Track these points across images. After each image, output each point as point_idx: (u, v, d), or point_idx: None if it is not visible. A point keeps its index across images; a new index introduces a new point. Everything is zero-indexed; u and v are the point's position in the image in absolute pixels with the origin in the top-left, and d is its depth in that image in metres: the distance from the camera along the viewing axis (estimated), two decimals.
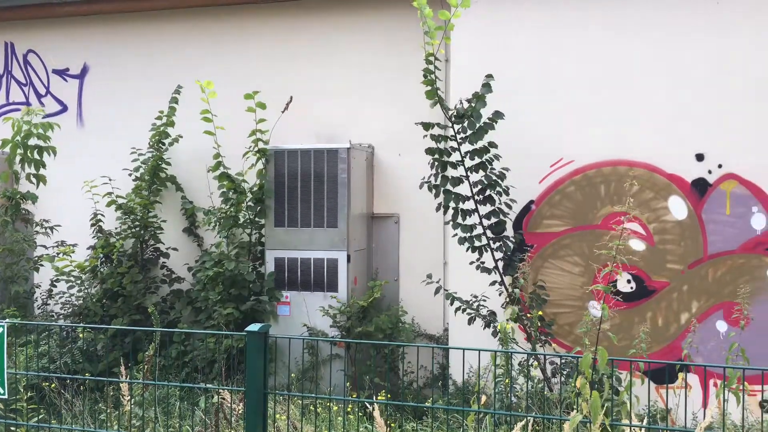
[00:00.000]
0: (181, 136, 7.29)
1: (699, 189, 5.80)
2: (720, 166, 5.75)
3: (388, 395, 5.69)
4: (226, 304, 6.49)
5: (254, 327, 3.49)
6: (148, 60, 7.73)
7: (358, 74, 7.08)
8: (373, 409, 3.39)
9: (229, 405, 4.38)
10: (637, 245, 5.96)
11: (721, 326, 5.74)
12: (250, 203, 6.86)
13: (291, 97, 6.91)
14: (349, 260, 6.47)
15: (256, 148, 6.78)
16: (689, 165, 5.83)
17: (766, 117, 5.65)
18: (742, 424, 3.79)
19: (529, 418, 3.55)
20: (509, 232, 6.15)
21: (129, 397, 4.05)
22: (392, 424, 4.66)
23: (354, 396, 5.52)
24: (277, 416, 4.50)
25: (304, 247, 6.57)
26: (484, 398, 3.64)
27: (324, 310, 6.34)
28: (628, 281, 5.98)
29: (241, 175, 6.93)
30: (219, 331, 5.93)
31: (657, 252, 5.91)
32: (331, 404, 4.96)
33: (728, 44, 5.73)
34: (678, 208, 5.87)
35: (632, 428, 3.33)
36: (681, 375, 5.67)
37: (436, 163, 5.92)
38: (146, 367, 4.75)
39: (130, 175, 7.36)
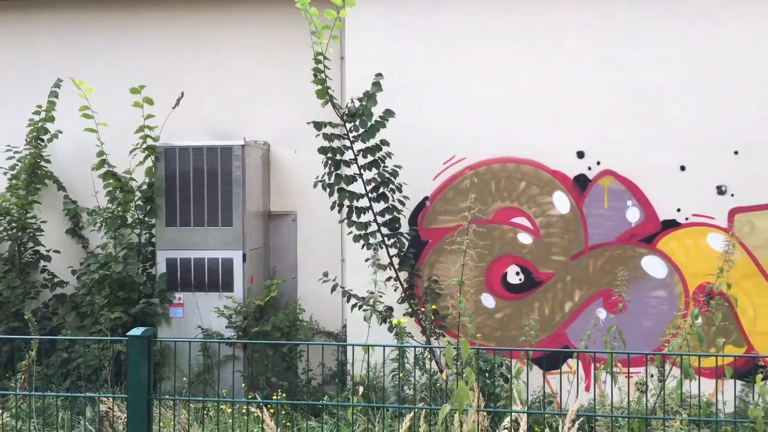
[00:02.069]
0: (61, 132, 6.89)
1: (580, 184, 6.14)
2: (598, 162, 6.11)
3: (284, 394, 5.64)
4: (113, 308, 6.21)
5: (137, 331, 3.36)
6: (29, 52, 7.23)
7: (253, 70, 6.96)
8: (262, 410, 3.34)
9: (115, 413, 4.19)
10: (525, 239, 6.23)
11: (602, 313, 6.10)
12: (139, 202, 6.59)
13: (182, 93, 6.69)
14: (244, 259, 6.35)
15: (144, 145, 6.52)
16: (571, 162, 6.15)
17: (638, 117, 6.05)
18: (611, 405, 4.05)
19: (418, 409, 3.62)
20: (404, 228, 6.26)
21: (1, 411, 3.78)
22: (287, 424, 4.63)
23: (251, 397, 5.42)
24: (164, 423, 4.35)
25: (197, 246, 6.39)
26: (361, 389, 3.68)
27: (219, 310, 6.19)
28: (517, 273, 6.24)
29: (129, 173, 6.64)
30: (100, 337, 5.66)
31: (543, 245, 6.20)
32: (225, 407, 4.85)
33: (604, 47, 6.10)
34: (561, 202, 6.19)
35: (513, 413, 3.48)
36: (568, 362, 5.99)
37: (330, 162, 5.93)
38: (23, 377, 4.45)
39: (5, 173, 6.88)
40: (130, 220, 6.64)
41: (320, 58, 5.66)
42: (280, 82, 6.89)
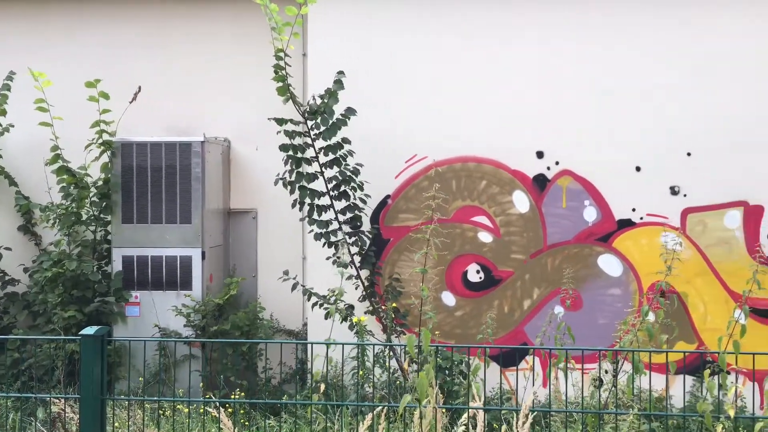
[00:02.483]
0: (13, 126, 6.70)
1: (539, 184, 6.23)
2: (557, 162, 6.21)
3: (242, 393, 5.59)
4: (67, 306, 6.06)
5: (90, 330, 3.29)
6: None
7: (213, 66, 6.86)
8: (219, 410, 3.31)
9: (68, 414, 4.09)
10: (486, 237, 6.29)
11: (559, 310, 6.20)
12: (94, 199, 6.45)
13: (139, 87, 6.56)
14: (204, 257, 6.27)
15: (100, 140, 6.38)
16: (530, 162, 6.24)
17: (596, 118, 6.17)
18: (566, 399, 4.12)
19: (377, 407, 3.63)
20: (366, 226, 6.26)
21: None
22: (246, 423, 4.59)
23: (208, 396, 5.36)
24: (119, 423, 4.27)
25: (155, 244, 6.28)
26: (322, 387, 3.68)
27: (177, 309, 6.10)
28: (477, 272, 6.30)
29: (84, 169, 6.48)
30: (53, 337, 5.53)
31: (503, 243, 6.28)
32: (182, 406, 4.78)
33: (563, 51, 6.19)
34: (521, 202, 6.27)
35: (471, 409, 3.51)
36: (526, 358, 6.07)
37: (291, 160, 5.90)
38: None
39: None
40: (84, 217, 6.48)
41: (281, 54, 5.63)
42: (241, 78, 6.81)
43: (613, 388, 3.73)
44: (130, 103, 6.53)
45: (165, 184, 6.24)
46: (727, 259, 5.95)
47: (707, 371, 3.50)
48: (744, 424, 4.58)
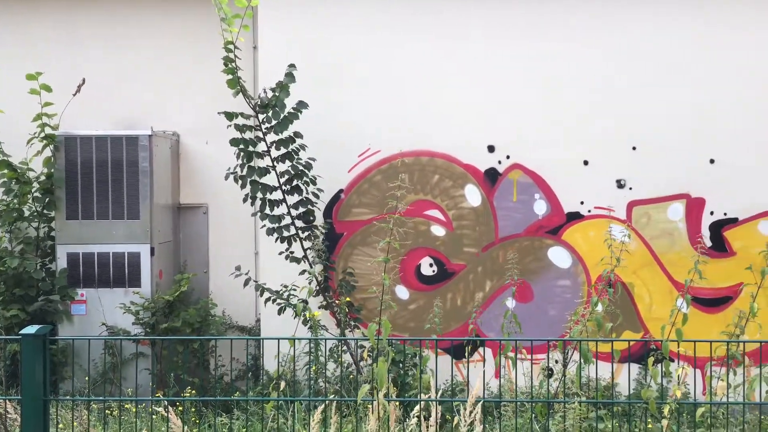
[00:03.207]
0: None
1: (490, 178, 6.31)
2: (508, 157, 6.29)
3: (193, 391, 5.50)
4: (9, 305, 5.86)
5: (31, 329, 3.18)
6: None
7: (161, 58, 6.72)
8: (167, 408, 3.25)
9: (11, 415, 3.95)
10: (438, 231, 6.34)
11: (510, 303, 6.29)
12: (36, 194, 6.24)
13: (83, 80, 6.37)
14: (152, 253, 6.14)
15: (42, 134, 6.16)
16: (482, 156, 6.30)
17: (545, 113, 6.26)
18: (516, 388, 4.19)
19: (329, 401, 3.62)
20: (319, 221, 6.22)
21: None
22: (197, 421, 4.52)
23: (158, 395, 5.25)
24: (63, 424, 4.15)
25: (101, 240, 6.12)
26: (282, 384, 3.65)
27: (125, 307, 5.96)
28: (431, 265, 6.34)
29: (26, 164, 6.26)
30: None
31: (455, 237, 6.33)
32: (130, 406, 4.68)
33: (513, 47, 6.27)
34: (473, 195, 6.33)
35: (425, 401, 3.54)
36: (479, 350, 6.15)
37: (242, 154, 5.82)
38: None
39: None
40: (27, 213, 6.28)
41: (231, 47, 5.53)
42: (190, 71, 6.69)
43: (562, 378, 3.81)
44: (74, 95, 6.34)
45: (111, 179, 6.08)
46: (671, 250, 6.13)
47: (651, 359, 3.60)
48: (688, 410, 4.73)
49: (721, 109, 6.13)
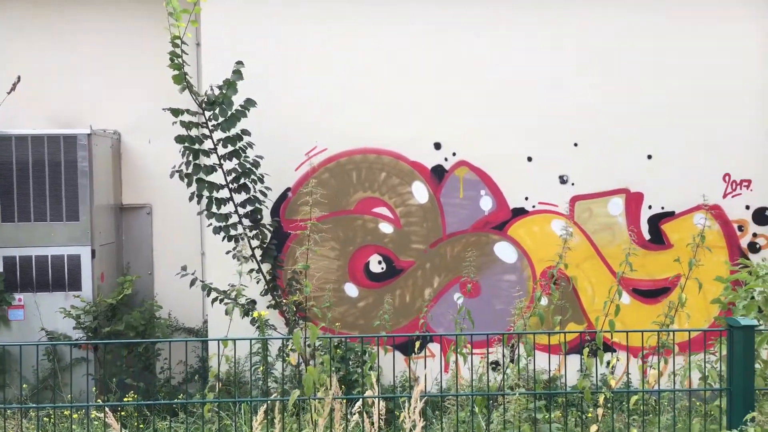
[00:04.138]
0: None
1: (437, 175, 6.37)
2: (454, 154, 6.36)
3: (135, 396, 5.38)
4: None
5: None
6: None
7: (101, 55, 6.54)
8: (105, 413, 3.17)
9: None
10: (387, 228, 6.36)
11: (460, 298, 6.36)
12: None
13: (18, 77, 6.14)
14: (93, 255, 5.97)
15: None
16: (429, 153, 6.35)
17: (490, 110, 6.35)
18: (463, 382, 4.25)
19: (270, 401, 3.60)
20: (267, 219, 6.17)
21: None
22: (141, 426, 4.42)
23: (100, 401, 5.12)
24: None
25: (39, 243, 5.92)
26: (218, 385, 3.61)
27: (66, 311, 5.78)
28: (379, 262, 6.37)
29: None
30: None
31: (403, 234, 6.37)
32: (69, 412, 4.54)
33: (459, 45, 6.34)
34: (420, 192, 6.38)
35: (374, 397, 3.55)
36: (429, 346, 6.20)
37: (188, 151, 5.72)
38: None
39: None
40: None
41: (177, 42, 5.42)
42: (131, 69, 6.53)
43: (507, 371, 3.88)
44: (8, 93, 6.11)
45: (49, 179, 5.89)
46: (611, 244, 6.31)
47: (586, 350, 3.70)
48: (625, 398, 4.88)
49: (657, 107, 6.34)
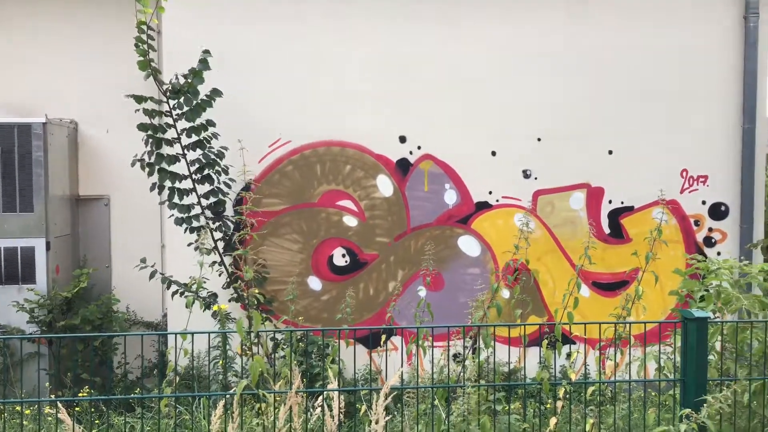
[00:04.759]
0: None
1: (402, 168, 6.36)
2: (419, 147, 6.36)
3: (91, 391, 5.27)
4: None
5: None
6: None
7: (58, 42, 6.37)
8: (56, 407, 3.09)
9: None
10: (351, 221, 6.33)
11: (422, 291, 6.38)
12: None
13: None
14: (48, 248, 5.82)
15: None
16: (394, 146, 6.34)
17: (455, 104, 6.36)
18: (426, 375, 4.26)
19: (226, 395, 3.56)
20: (229, 212, 6.09)
21: None
22: (96, 421, 4.33)
23: (52, 396, 4.99)
24: None
25: None
26: (176, 379, 3.55)
27: (19, 305, 5.62)
28: (343, 255, 6.34)
29: None
30: None
31: (368, 227, 6.35)
32: (21, 408, 4.42)
33: (425, 38, 6.33)
34: (385, 185, 6.37)
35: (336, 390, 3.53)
36: (392, 339, 6.21)
37: (150, 140, 5.60)
38: None
39: None
40: None
41: (143, 27, 5.29)
42: (89, 57, 6.38)
43: (468, 363, 3.90)
44: None
45: (2, 169, 5.72)
46: (573, 238, 6.39)
47: (545, 342, 3.74)
48: (584, 389, 4.95)
49: (618, 103, 6.43)
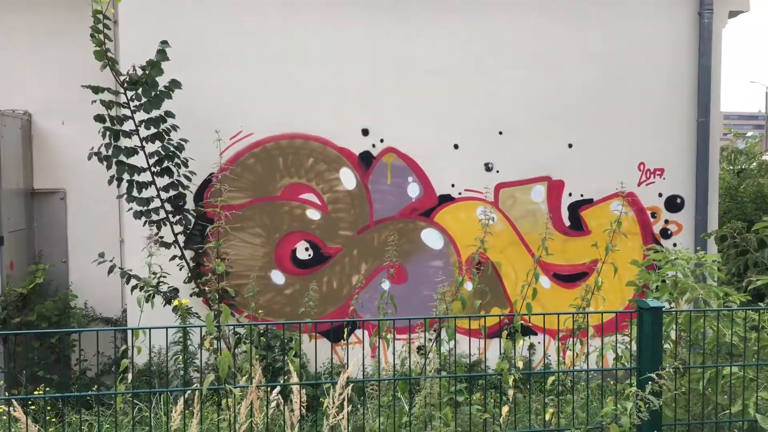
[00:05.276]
0: None
1: (365, 161, 6.35)
2: (382, 140, 6.36)
3: (47, 389, 5.15)
4: None
5: None
6: None
7: (10, 33, 6.18)
8: (11, 406, 3.01)
9: None
10: (314, 214, 6.31)
11: (386, 284, 6.39)
12: None
13: None
14: (1, 243, 5.65)
15: None
16: (356, 139, 6.32)
17: (418, 97, 6.37)
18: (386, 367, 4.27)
19: (192, 390, 3.52)
20: (190, 205, 6.00)
21: None
22: (53, 420, 4.23)
23: (9, 395, 4.86)
24: None
25: None
26: (130, 376, 3.50)
27: None
28: (306, 249, 6.31)
29: None
30: None
31: (331, 220, 6.33)
32: None
33: (388, 32, 6.31)
34: (348, 179, 6.35)
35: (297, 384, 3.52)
36: (356, 332, 6.21)
37: (108, 132, 5.48)
38: None
39: None
40: None
41: (99, 17, 5.16)
42: (43, 48, 6.22)
43: (431, 355, 3.92)
44: None
45: None
46: (534, 230, 6.47)
47: (504, 332, 3.79)
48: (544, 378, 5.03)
49: (577, 97, 6.53)
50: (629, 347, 4.10)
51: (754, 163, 8.84)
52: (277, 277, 6.26)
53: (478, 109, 6.43)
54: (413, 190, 6.42)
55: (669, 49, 6.62)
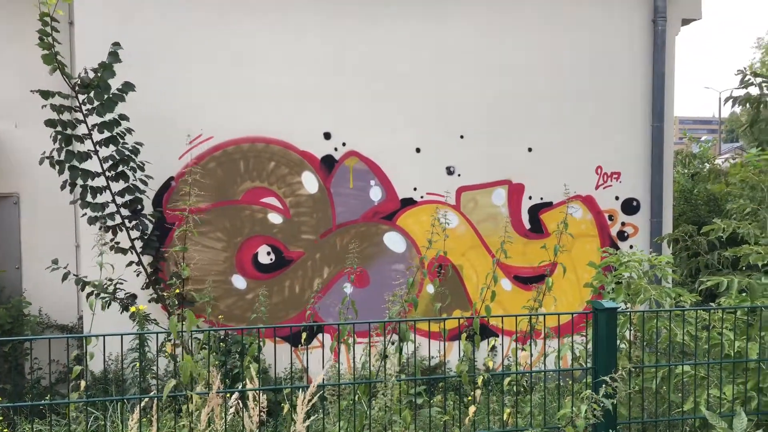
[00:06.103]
0: None
1: (327, 165, 6.34)
2: (344, 144, 6.36)
3: (0, 399, 5.01)
4: None
5: None
6: None
7: None
8: None
9: None
10: (276, 218, 6.26)
11: (348, 288, 6.39)
12: None
13: None
14: None
15: None
16: (319, 143, 6.31)
17: (380, 101, 6.39)
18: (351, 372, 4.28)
19: (150, 398, 3.46)
20: (148, 209, 5.90)
21: None
22: (5, 430, 4.11)
23: None
24: None
25: None
26: (82, 384, 3.43)
27: None
28: (268, 253, 6.26)
29: None
30: None
31: (293, 224, 6.30)
32: None
33: (350, 36, 6.32)
34: (310, 182, 6.33)
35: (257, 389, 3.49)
36: (318, 336, 6.19)
37: (59, 137, 5.36)
38: None
39: None
40: None
41: (47, 20, 5.05)
42: None
43: (383, 358, 3.94)
44: None
45: None
46: (495, 233, 6.54)
47: (464, 334, 3.82)
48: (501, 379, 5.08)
49: (538, 102, 6.63)
50: (586, 348, 4.17)
51: (707, 167, 9.09)
52: (239, 281, 6.20)
53: (440, 112, 6.48)
54: (375, 193, 6.43)
55: (625, 55, 6.77)
